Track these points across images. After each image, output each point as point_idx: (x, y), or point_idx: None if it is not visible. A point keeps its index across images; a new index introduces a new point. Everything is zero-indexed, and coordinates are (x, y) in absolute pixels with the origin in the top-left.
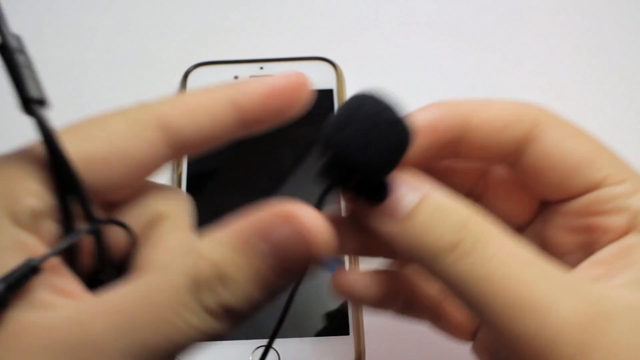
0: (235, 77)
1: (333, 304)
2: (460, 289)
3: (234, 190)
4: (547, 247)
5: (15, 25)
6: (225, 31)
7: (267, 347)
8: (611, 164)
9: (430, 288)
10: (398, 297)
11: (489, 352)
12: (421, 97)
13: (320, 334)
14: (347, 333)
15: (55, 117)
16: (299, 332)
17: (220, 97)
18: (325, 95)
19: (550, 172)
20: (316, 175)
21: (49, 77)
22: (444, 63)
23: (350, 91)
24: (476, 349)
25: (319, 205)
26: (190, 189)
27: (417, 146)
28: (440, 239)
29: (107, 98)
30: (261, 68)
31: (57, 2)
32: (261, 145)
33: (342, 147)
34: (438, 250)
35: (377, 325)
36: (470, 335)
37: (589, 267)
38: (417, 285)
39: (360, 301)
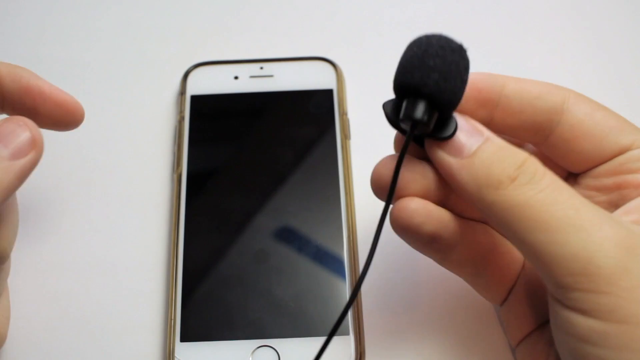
0: (236, 78)
1: (333, 304)
2: (513, 217)
3: (234, 190)
4: None
5: (16, 25)
6: (225, 31)
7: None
8: (637, 131)
9: (483, 238)
10: (450, 239)
11: (516, 317)
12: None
13: (320, 334)
14: (347, 333)
15: None
16: (299, 332)
17: None
18: (325, 95)
19: (583, 139)
20: (400, 120)
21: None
22: None
23: (350, 91)
24: (504, 313)
25: (404, 149)
26: (190, 189)
27: (468, 97)
28: (502, 172)
29: (107, 98)
30: (261, 68)
31: (57, 2)
32: (261, 145)
33: (426, 86)
34: (499, 182)
35: (377, 325)
36: (502, 299)
37: (620, 214)
38: (471, 232)
39: (417, 233)
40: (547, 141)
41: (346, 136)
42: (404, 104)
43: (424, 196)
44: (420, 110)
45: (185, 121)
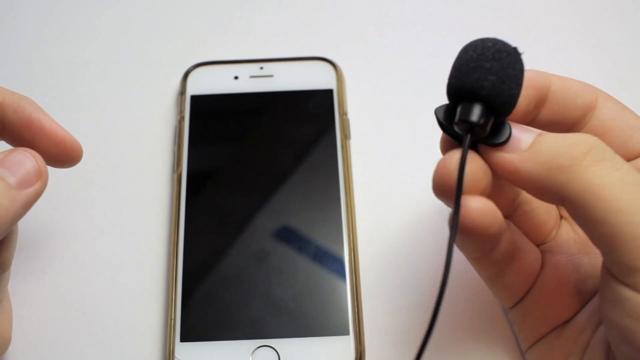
0: (236, 78)
1: (333, 304)
2: (590, 195)
3: (234, 190)
4: None
5: (16, 25)
6: (226, 31)
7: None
8: None
9: (511, 235)
10: (501, 238)
11: (532, 319)
12: (422, 97)
13: (320, 333)
14: (347, 333)
15: (55, 117)
16: (299, 332)
17: None
18: (325, 96)
19: (611, 135)
20: (455, 123)
21: (49, 77)
22: (444, 64)
23: (350, 91)
24: (517, 315)
25: (464, 154)
26: (190, 189)
27: (525, 99)
28: (573, 150)
29: (107, 98)
30: (261, 68)
31: (57, 2)
32: (261, 145)
33: (484, 88)
34: (572, 160)
35: (377, 325)
36: (517, 300)
37: None
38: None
39: (484, 234)
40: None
41: (346, 136)
42: (460, 108)
43: (483, 195)
44: (476, 113)
45: (185, 121)
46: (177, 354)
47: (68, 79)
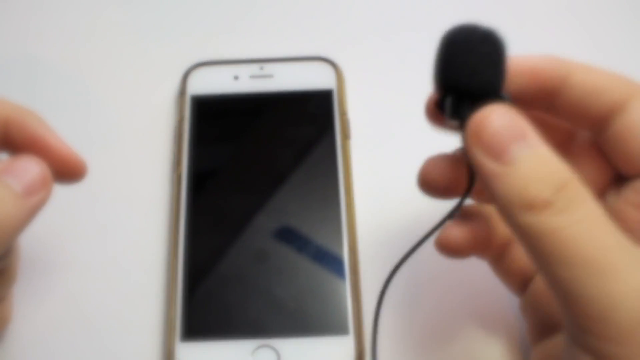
0: (236, 78)
1: (333, 304)
2: (540, 243)
3: (234, 190)
4: (617, 221)
5: (16, 25)
6: (226, 31)
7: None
8: None
9: (502, 230)
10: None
11: (536, 311)
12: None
13: (321, 333)
14: (348, 333)
15: (56, 117)
16: (299, 332)
17: None
18: (325, 96)
19: (632, 143)
20: (446, 115)
21: (49, 77)
22: None
23: (350, 92)
24: (525, 306)
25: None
26: (190, 189)
27: (516, 85)
28: (539, 194)
29: (107, 98)
30: (261, 68)
31: (57, 2)
32: (261, 145)
33: (462, 77)
34: (533, 204)
35: (378, 324)
36: (520, 289)
37: None
38: (492, 222)
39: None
40: (603, 135)
41: (346, 136)
42: (446, 103)
43: None
44: (448, 106)
45: (185, 121)
46: (177, 354)
47: (68, 79)
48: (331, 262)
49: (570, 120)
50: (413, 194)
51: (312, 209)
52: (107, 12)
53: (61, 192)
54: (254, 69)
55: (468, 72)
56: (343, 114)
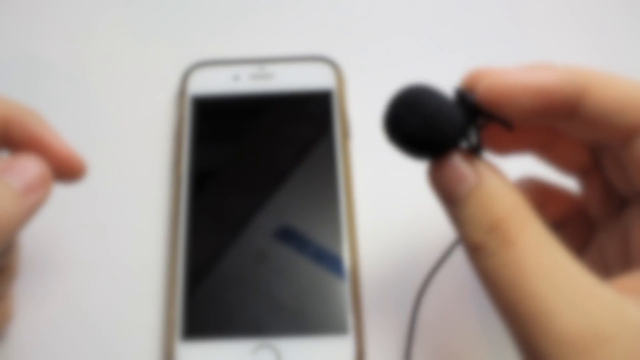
0: (236, 78)
1: (333, 304)
2: (483, 284)
3: (234, 190)
4: (628, 245)
5: (16, 25)
6: (226, 31)
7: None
8: None
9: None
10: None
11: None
12: None
13: (321, 333)
14: (348, 332)
15: (56, 116)
16: (299, 332)
17: None
18: (325, 95)
19: None
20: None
21: (50, 77)
22: (445, 64)
23: (350, 92)
24: (584, 186)
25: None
26: (190, 189)
27: (525, 106)
28: (472, 236)
29: (108, 98)
30: (261, 68)
31: (58, 2)
32: (261, 145)
33: (408, 138)
34: (469, 246)
35: (378, 324)
36: (581, 171)
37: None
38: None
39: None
40: (626, 151)
41: (346, 136)
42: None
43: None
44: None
45: (185, 121)
46: (177, 354)
47: (68, 79)
48: (331, 262)
49: (590, 135)
50: (413, 194)
51: (312, 209)
52: (108, 12)
53: (61, 192)
54: (254, 69)
55: (416, 136)
56: (343, 114)
